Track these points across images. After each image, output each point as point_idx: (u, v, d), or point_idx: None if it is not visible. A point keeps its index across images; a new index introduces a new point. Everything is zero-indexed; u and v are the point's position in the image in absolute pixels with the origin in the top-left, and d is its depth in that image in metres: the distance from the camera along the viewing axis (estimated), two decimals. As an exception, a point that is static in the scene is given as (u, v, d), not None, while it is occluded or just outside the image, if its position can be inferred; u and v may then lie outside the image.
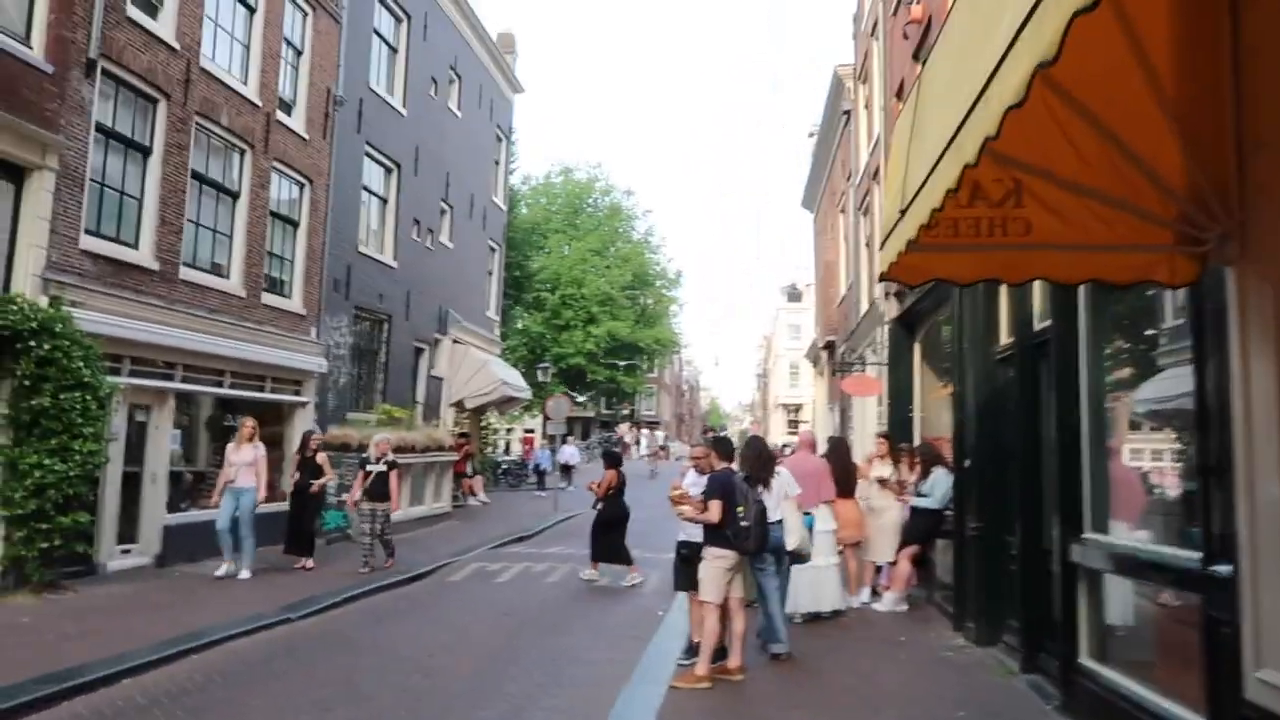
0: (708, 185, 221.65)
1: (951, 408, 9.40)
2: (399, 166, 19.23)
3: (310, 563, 12.39)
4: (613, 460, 13.20)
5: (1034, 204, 3.85)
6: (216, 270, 13.35)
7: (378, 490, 12.50)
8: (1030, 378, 7.05)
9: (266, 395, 14.34)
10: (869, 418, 15.16)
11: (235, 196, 13.72)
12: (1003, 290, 8.17)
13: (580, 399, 53.00)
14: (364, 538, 12.62)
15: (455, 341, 22.36)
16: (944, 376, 11.45)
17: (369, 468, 12.63)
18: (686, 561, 7.59)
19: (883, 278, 4.21)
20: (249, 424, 11.77)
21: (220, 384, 13.28)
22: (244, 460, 11.51)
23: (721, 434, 10.49)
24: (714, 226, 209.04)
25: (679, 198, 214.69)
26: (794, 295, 73.99)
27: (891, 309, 12.99)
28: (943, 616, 9.33)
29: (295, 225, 15.33)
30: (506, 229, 27.65)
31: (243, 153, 13.80)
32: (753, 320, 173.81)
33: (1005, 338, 8.02)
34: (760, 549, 7.22)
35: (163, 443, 12.08)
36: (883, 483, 10.06)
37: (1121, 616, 5.81)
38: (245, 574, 11.27)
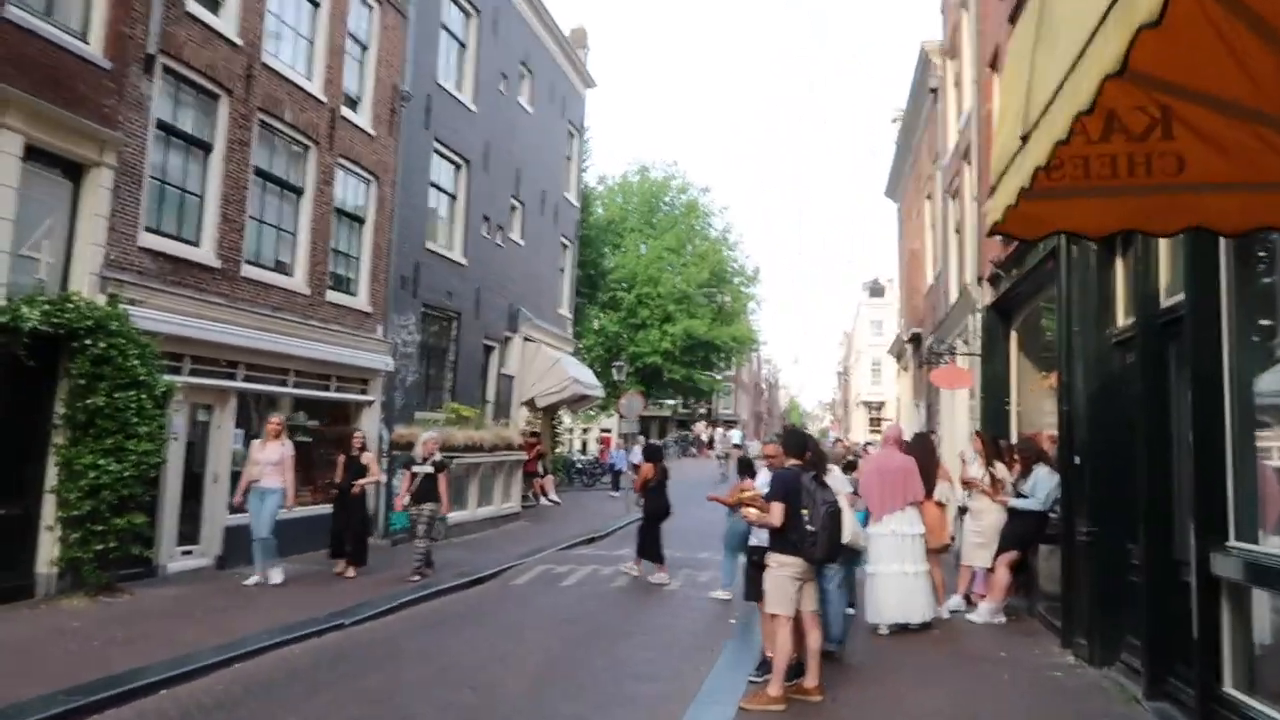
0: (787, 179, 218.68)
1: (1056, 400, 8.47)
2: (468, 163, 18.92)
3: (351, 570, 11.54)
4: (651, 455, 13.00)
5: (1187, 135, 3.06)
6: (280, 268, 13.15)
7: (425, 493, 11.75)
8: (1156, 362, 6.14)
9: (332, 394, 14.11)
10: (959, 413, 14.15)
11: (299, 193, 13.51)
12: (1119, 264, 7.23)
13: (658, 398, 52.49)
14: (419, 542, 11.73)
15: (526, 339, 21.99)
16: (1045, 366, 10.47)
17: (415, 468, 11.92)
18: (756, 568, 6.89)
19: (993, 232, 3.44)
20: (275, 420, 11.02)
21: (284, 383, 13.07)
22: (269, 459, 10.66)
23: (793, 428, 9.68)
24: (793, 222, 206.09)
25: (758, 192, 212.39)
26: (876, 290, 72.13)
27: (985, 295, 12.00)
28: (1048, 631, 8.39)
29: (361, 222, 15.09)
30: (579, 226, 27.21)
31: (306, 149, 13.59)
32: (834, 317, 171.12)
33: (1123, 318, 7.09)
34: (830, 557, 6.47)
35: (224, 443, 11.88)
36: (967, 485, 9.16)
37: (1275, 640, 4.90)
38: (277, 578, 10.62)
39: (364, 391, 14.95)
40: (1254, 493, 4.93)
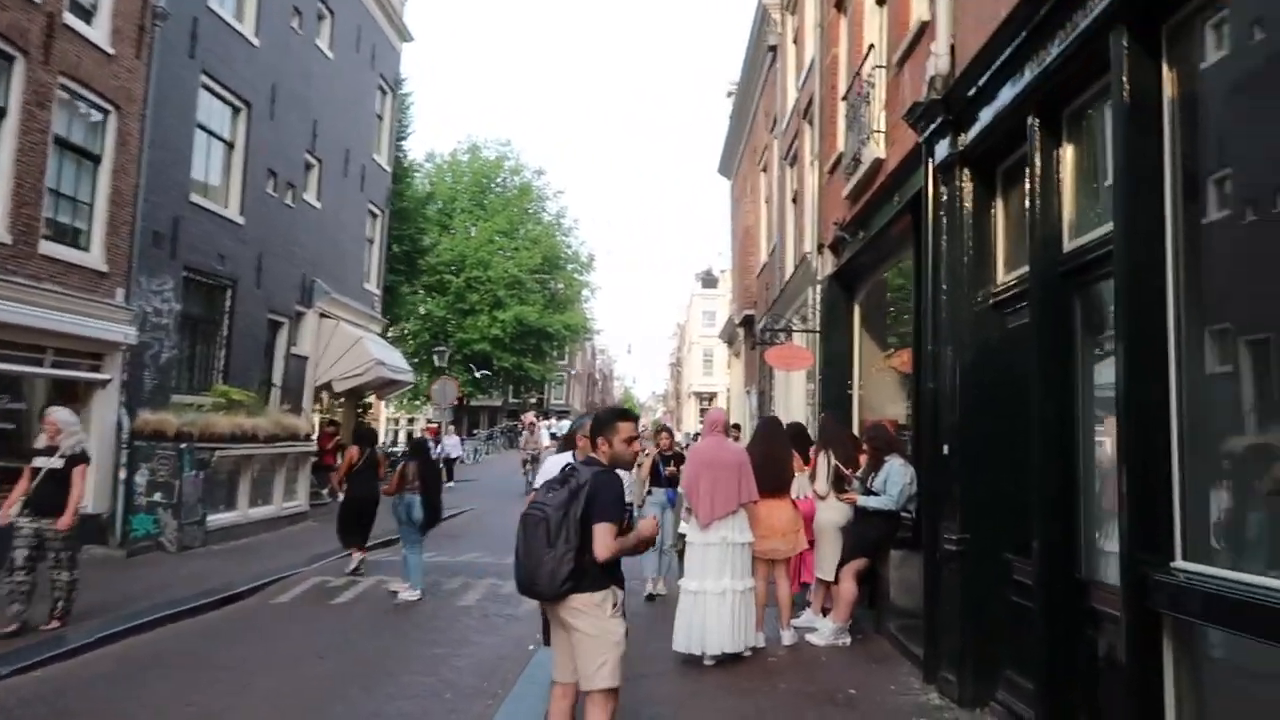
0: (624, 163, 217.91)
1: (914, 379, 7.17)
2: (249, 106, 16.18)
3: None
4: (358, 439, 11.88)
5: None
6: (-34, 208, 10.29)
7: (46, 499, 7.65)
8: (1056, 321, 4.78)
9: (46, 370, 11.30)
10: (795, 399, 12.94)
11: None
12: (1000, 206, 5.91)
13: (487, 387, 50.21)
14: (18, 574, 7.60)
15: (323, 315, 19.38)
16: (893, 342, 9.25)
17: (37, 462, 7.80)
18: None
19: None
20: None
21: (-30, 354, 10.25)
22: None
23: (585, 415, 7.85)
24: (629, 209, 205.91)
25: (593, 176, 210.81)
26: (709, 281, 72.23)
27: (826, 264, 10.73)
28: (902, 657, 7.05)
29: (95, 161, 12.26)
30: (392, 195, 24.64)
31: (11, 60, 10.72)
32: (669, 308, 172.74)
33: (1005, 273, 5.77)
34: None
35: None
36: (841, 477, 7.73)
37: (1241, 694, 3.57)
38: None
39: (97, 369, 12.17)
40: (1210, 497, 3.57)
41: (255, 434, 14.24)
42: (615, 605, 4.17)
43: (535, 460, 23.40)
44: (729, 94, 23.80)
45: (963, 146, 5.99)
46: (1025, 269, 5.24)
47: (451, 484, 24.75)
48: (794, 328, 12.15)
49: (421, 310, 46.67)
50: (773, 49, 16.41)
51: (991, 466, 5.57)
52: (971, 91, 5.73)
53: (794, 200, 14.30)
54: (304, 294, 18.68)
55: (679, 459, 9.60)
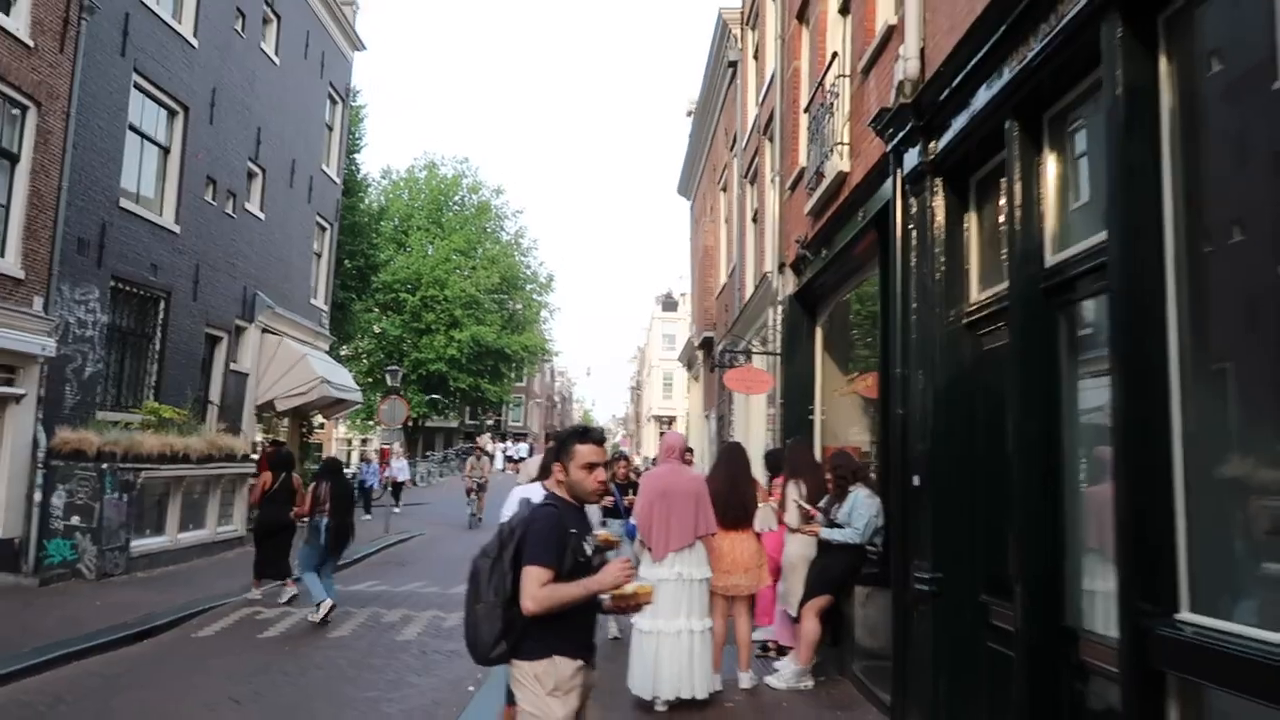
0: (583, 183, 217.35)
1: (880, 401, 6.75)
2: (186, 110, 15.47)
3: None
4: (274, 464, 11.11)
5: None
6: None
7: None
8: (1037, 344, 4.36)
9: (-51, 384, 10.50)
10: (755, 423, 12.50)
11: (-94, 110, 9.90)
12: (973, 222, 5.50)
13: (443, 408, 49.27)
14: None
15: (266, 331, 18.61)
16: (857, 365, 8.84)
17: None
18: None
19: None
20: None
21: None
22: None
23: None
24: (589, 230, 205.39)
25: (552, 196, 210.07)
26: (669, 304, 71.87)
27: (788, 284, 10.31)
28: (869, 703, 6.56)
29: (12, 159, 11.50)
30: (341, 208, 23.92)
31: (-81, 50, 10.00)
32: (628, 330, 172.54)
33: (980, 291, 5.35)
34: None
35: None
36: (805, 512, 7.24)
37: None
38: None
39: (10, 382, 11.35)
40: (1226, 539, 3.14)
41: (187, 454, 13.46)
42: (558, 682, 3.30)
43: (481, 489, 22.38)
44: (688, 113, 23.51)
45: (934, 155, 5.59)
46: (1003, 286, 4.82)
47: (397, 509, 23.90)
48: (754, 350, 11.73)
49: (376, 329, 45.86)
50: (733, 65, 16.10)
51: (966, 498, 5.13)
52: (943, 95, 5.34)
53: (754, 219, 13.92)
54: (245, 308, 17.91)
55: (636, 488, 9.08)
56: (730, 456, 7.34)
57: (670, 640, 6.54)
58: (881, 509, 6.71)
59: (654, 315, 75.01)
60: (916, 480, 5.40)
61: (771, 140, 11.86)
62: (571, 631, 3.34)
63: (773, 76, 11.52)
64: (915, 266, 5.67)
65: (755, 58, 14.21)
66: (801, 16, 10.31)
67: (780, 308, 10.49)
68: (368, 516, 22.72)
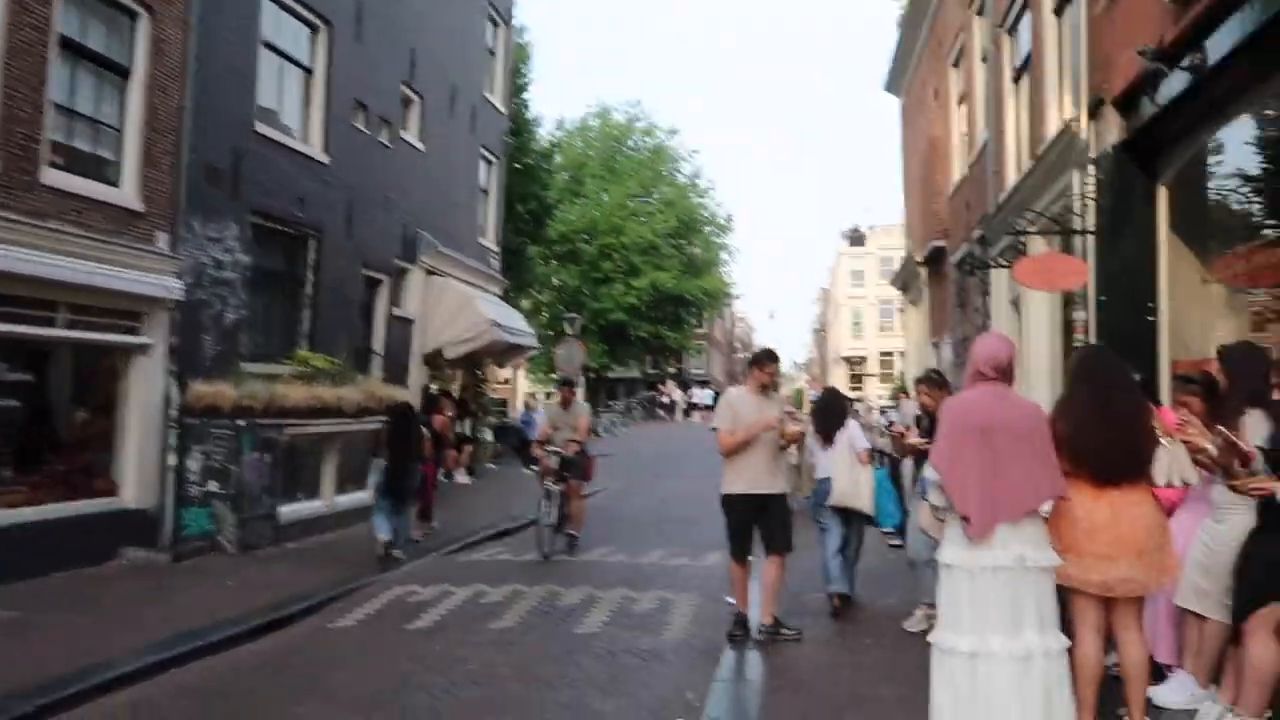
0: (760, 119, 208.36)
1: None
2: (330, 25, 13.71)
3: None
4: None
5: None
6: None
7: None
8: None
9: (61, 332, 9.01)
10: (1036, 338, 9.25)
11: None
12: None
13: (624, 357, 47.83)
14: None
15: (430, 273, 16.93)
16: (1225, 243, 5.72)
17: None
18: None
19: None
20: None
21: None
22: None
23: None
24: (768, 167, 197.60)
25: (730, 132, 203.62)
26: (856, 239, 67.31)
27: (1109, 130, 7.09)
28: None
29: (123, 74, 9.91)
30: (508, 140, 22.01)
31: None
32: (810, 271, 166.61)
33: None
34: None
35: None
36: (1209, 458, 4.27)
37: None
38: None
39: (134, 330, 9.89)
40: None
41: (340, 407, 11.79)
42: None
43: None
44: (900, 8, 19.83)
45: None
46: None
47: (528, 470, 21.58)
48: (1049, 229, 8.42)
49: (555, 281, 44.98)
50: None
51: None
52: None
53: (1014, 79, 10.59)
54: (406, 247, 16.25)
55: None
56: (1097, 368, 4.42)
57: (1009, 669, 3.88)
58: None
59: (840, 251, 70.68)
60: None
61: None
62: None
63: None
64: None
65: None
66: None
67: (1092, 170, 7.30)
68: (528, 471, 21.06)
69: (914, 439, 6.77)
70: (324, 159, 13.56)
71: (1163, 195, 6.74)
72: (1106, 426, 4.08)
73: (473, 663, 6.35)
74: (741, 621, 6.67)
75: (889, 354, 56.45)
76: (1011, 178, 10.75)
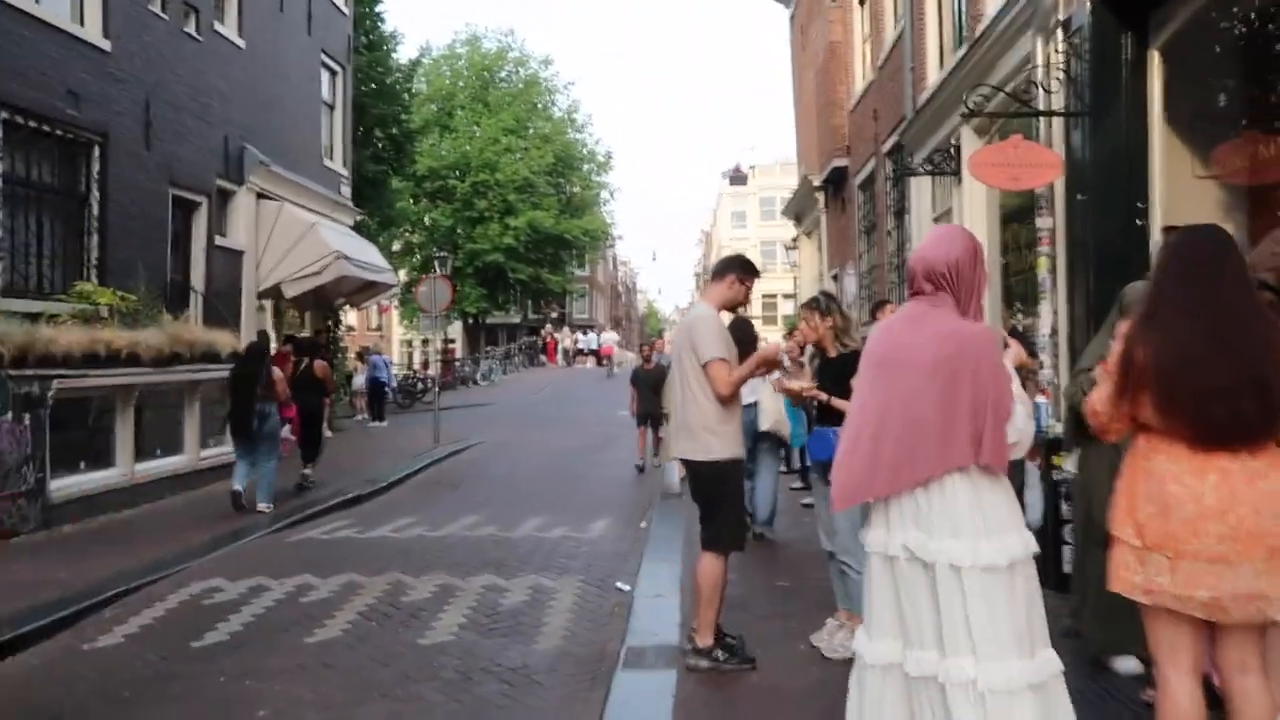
0: (635, 54, 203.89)
1: None
2: (109, -120, 11.00)
3: None
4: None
5: None
6: None
7: None
8: None
9: None
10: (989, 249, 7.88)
11: None
12: None
13: (504, 302, 45.58)
14: None
15: (262, 197, 14.46)
16: (1228, 128, 4.36)
17: None
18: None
19: None
20: None
21: None
22: None
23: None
24: (645, 103, 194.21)
25: (603, 69, 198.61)
26: (737, 178, 66.11)
27: (1090, -24, 5.58)
28: None
29: None
30: (353, 46, 19.35)
31: None
32: (692, 215, 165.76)
33: None
34: None
35: None
36: None
37: None
38: None
39: None
40: None
41: (135, 353, 9.49)
42: None
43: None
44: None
45: None
46: None
47: (381, 423, 19.46)
48: (1006, 111, 6.80)
49: (426, 220, 42.29)
50: None
51: None
52: None
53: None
54: (231, 165, 13.73)
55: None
56: (1211, 261, 2.80)
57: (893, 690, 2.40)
58: None
59: (721, 192, 69.50)
60: None
61: None
62: None
63: None
64: None
65: None
66: None
67: (1060, 35, 5.79)
68: (380, 424, 19.06)
69: (791, 382, 5.01)
70: (104, 44, 10.93)
71: (1155, 63, 5.31)
72: (1228, 357, 2.53)
73: (265, 703, 4.51)
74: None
75: (772, 296, 55.70)
76: (934, 74, 9.26)
